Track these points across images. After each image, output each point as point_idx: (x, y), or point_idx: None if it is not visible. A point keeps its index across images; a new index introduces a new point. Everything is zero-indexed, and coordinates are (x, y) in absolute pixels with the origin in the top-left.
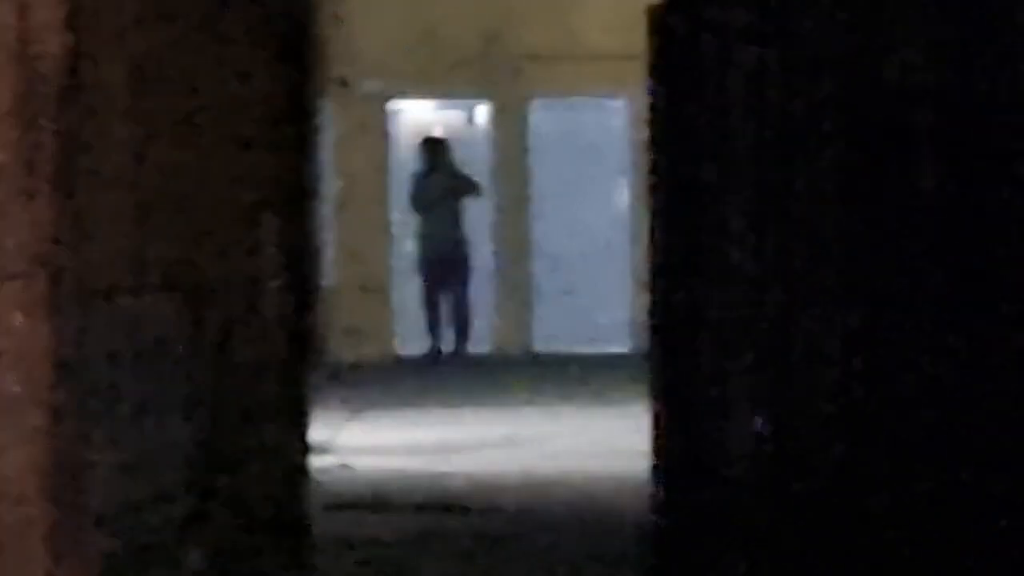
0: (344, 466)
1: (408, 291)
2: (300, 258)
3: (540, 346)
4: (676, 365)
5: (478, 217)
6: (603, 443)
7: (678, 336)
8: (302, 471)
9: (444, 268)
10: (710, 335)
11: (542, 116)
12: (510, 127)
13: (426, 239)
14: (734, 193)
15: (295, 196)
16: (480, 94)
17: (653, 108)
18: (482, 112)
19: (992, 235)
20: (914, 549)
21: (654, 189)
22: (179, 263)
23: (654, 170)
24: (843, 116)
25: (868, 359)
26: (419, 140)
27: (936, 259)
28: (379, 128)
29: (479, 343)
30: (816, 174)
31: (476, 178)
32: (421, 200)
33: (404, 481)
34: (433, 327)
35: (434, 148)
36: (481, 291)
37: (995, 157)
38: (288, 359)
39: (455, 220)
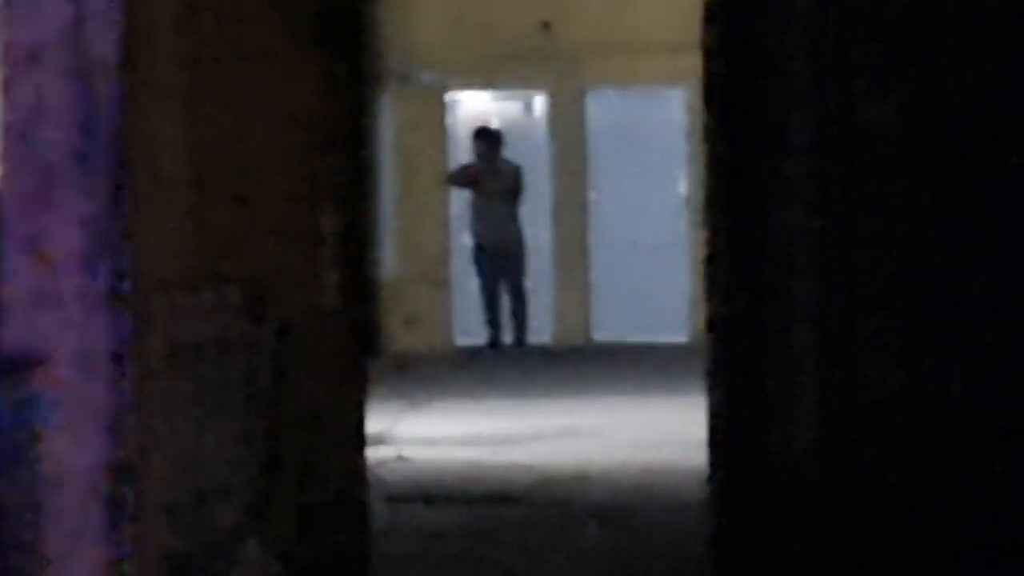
0: (401, 458)
1: (468, 282)
2: (359, 250)
3: (600, 336)
4: (734, 355)
5: (538, 207)
6: (662, 433)
7: (737, 326)
8: (361, 464)
9: (500, 259)
10: (769, 325)
11: (599, 106)
12: (567, 117)
13: (481, 230)
14: (793, 180)
15: (354, 188)
16: (537, 85)
17: (709, 96)
18: (540, 103)
19: None
20: (992, 543)
21: (712, 178)
22: (238, 256)
23: (712, 159)
24: (906, 93)
25: (939, 354)
26: (474, 131)
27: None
28: (437, 120)
29: (539, 333)
30: (880, 162)
31: (522, 169)
32: (474, 191)
33: (461, 472)
34: (492, 317)
35: (487, 139)
36: (541, 281)
37: None
38: (347, 351)
39: (509, 211)
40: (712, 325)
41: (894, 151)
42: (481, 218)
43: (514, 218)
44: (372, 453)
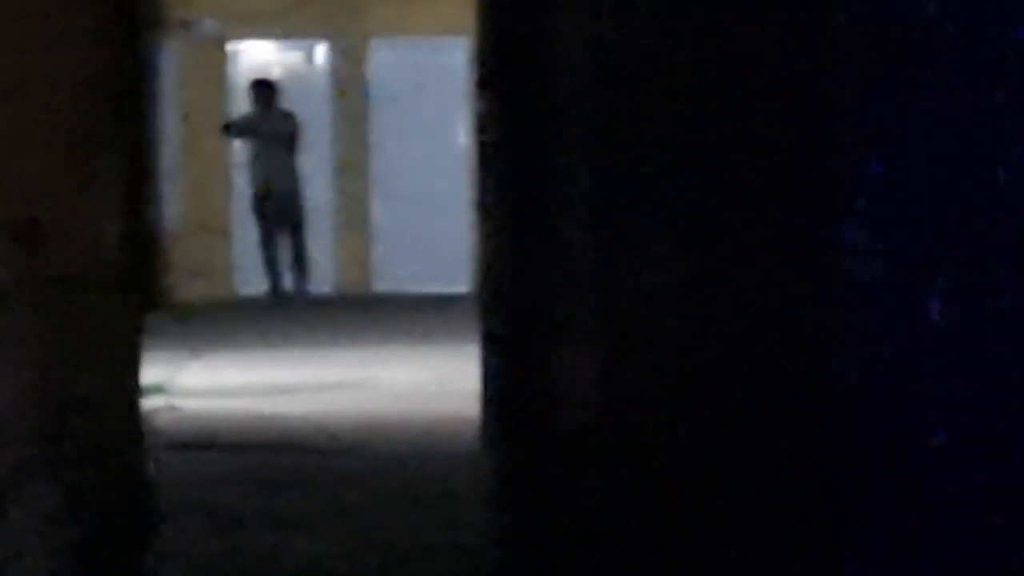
0: (174, 407)
1: (250, 232)
2: (140, 200)
3: (381, 286)
4: (502, 306)
5: (319, 157)
6: (441, 384)
7: (508, 271)
8: (140, 412)
9: (279, 208)
10: (542, 270)
11: (382, 55)
12: (349, 66)
13: (259, 179)
14: (563, 136)
15: (134, 137)
16: (319, 34)
17: (480, 49)
18: (321, 52)
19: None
20: (750, 490)
21: (481, 131)
22: (13, 209)
23: (482, 112)
24: (686, 57)
25: (699, 310)
26: (251, 82)
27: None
28: (218, 69)
29: (320, 283)
30: (652, 116)
31: (301, 119)
32: (252, 141)
33: (241, 421)
34: (271, 267)
35: (263, 89)
36: (322, 231)
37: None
38: (127, 301)
39: (287, 160)
40: (482, 271)
41: (667, 87)
42: (259, 168)
43: (292, 167)
44: (151, 402)
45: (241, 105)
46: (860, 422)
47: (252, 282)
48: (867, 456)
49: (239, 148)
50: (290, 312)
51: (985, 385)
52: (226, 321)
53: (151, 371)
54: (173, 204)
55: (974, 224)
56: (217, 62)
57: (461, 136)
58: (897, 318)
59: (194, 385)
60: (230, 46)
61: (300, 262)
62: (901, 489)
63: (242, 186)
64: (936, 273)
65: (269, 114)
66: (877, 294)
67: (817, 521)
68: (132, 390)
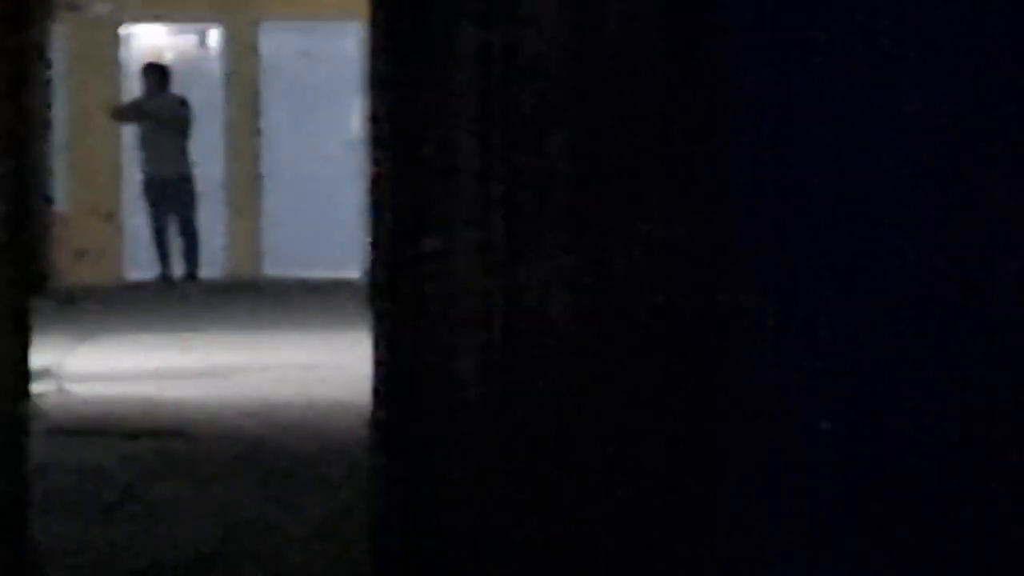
0: (62, 391)
1: (140, 217)
2: (27, 183)
3: (272, 271)
4: (392, 291)
5: (211, 141)
6: (330, 369)
7: (397, 251)
8: (24, 397)
9: (168, 193)
10: (430, 250)
11: (275, 39)
12: (242, 50)
13: (149, 164)
14: (454, 123)
15: (22, 121)
16: (211, 18)
17: (371, 36)
18: (214, 36)
19: None
20: (650, 465)
21: (373, 116)
22: None
23: (374, 97)
24: (576, 45)
25: (587, 295)
26: (142, 66)
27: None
28: (110, 53)
29: (210, 268)
30: (545, 107)
31: (191, 103)
32: (143, 126)
33: (129, 407)
34: (161, 252)
35: (154, 73)
36: (212, 216)
37: None
38: (13, 284)
39: (177, 145)
40: (372, 255)
41: (560, 73)
42: (149, 152)
43: (183, 152)
44: (38, 387)
45: (133, 89)
46: (746, 413)
47: (141, 266)
48: (752, 446)
49: (130, 132)
50: (179, 297)
51: (869, 376)
52: (115, 306)
53: (38, 355)
54: (62, 187)
55: (860, 219)
56: (108, 45)
57: (353, 121)
58: (784, 307)
59: (82, 370)
60: (122, 29)
61: (190, 247)
62: (783, 476)
63: (133, 170)
64: (823, 264)
65: (160, 98)
66: (765, 285)
67: (699, 501)
68: (16, 372)
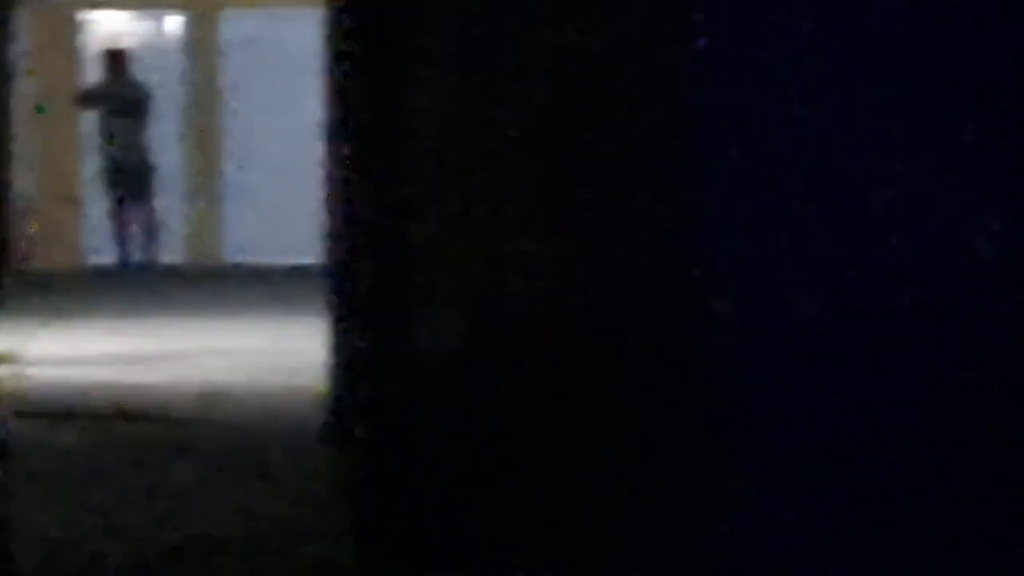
0: (22, 375)
1: (101, 202)
2: None
3: (232, 258)
4: (351, 277)
5: (171, 127)
6: (289, 355)
7: (353, 248)
8: None
9: (129, 179)
10: (387, 235)
11: (235, 25)
12: (202, 36)
13: (109, 150)
14: (417, 106)
15: None
16: (171, 4)
17: (334, 19)
18: (174, 22)
19: None
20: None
21: (334, 102)
22: None
23: (335, 83)
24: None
25: (559, 283)
26: (103, 51)
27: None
28: (69, 39)
29: (170, 254)
30: (513, 91)
31: (152, 90)
32: (103, 111)
33: (90, 391)
34: (121, 237)
35: (114, 59)
36: (172, 202)
37: None
38: None
39: (137, 131)
40: (331, 241)
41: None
42: (109, 138)
43: (143, 138)
44: None
45: (92, 74)
46: (727, 411)
47: (102, 252)
48: (732, 444)
49: (91, 117)
50: (139, 282)
51: (851, 379)
52: (76, 291)
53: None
54: (23, 173)
55: (837, 218)
56: (68, 32)
57: (313, 107)
58: (763, 306)
59: (43, 353)
60: (82, 15)
61: (150, 232)
62: (768, 477)
63: (93, 155)
64: (801, 263)
65: (121, 83)
66: (743, 282)
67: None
68: None
